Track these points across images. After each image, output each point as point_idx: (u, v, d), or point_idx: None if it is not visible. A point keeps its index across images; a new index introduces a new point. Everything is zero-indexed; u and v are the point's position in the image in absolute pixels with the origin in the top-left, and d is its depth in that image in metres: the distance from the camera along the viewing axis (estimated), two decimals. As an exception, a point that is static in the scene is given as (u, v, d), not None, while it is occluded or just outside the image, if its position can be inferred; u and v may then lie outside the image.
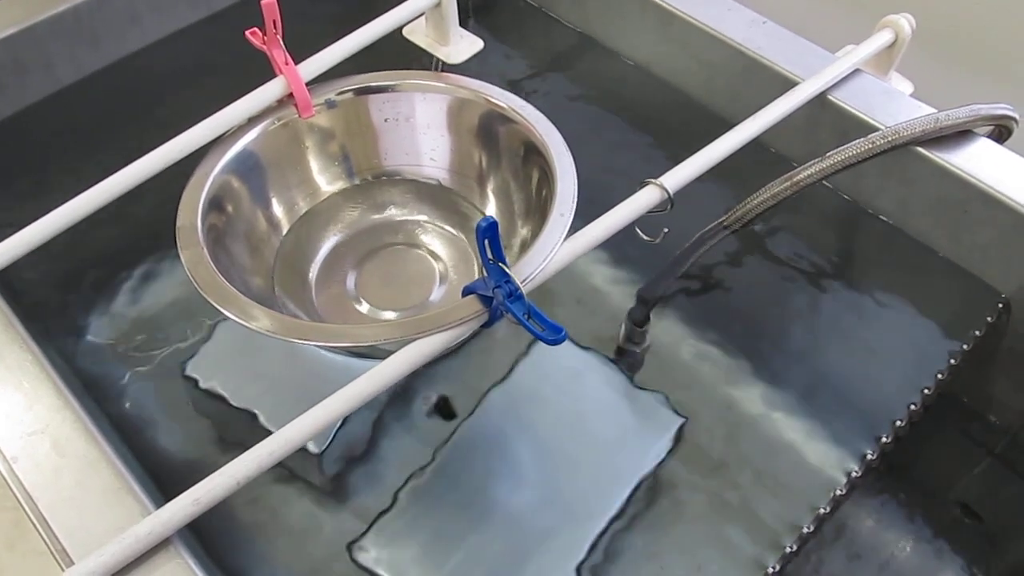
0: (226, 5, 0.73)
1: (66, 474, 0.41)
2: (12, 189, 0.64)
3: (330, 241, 0.57)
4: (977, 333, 0.57)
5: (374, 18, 0.58)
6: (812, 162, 0.55)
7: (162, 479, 0.47)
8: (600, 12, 0.72)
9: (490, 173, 0.56)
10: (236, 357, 0.53)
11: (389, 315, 0.53)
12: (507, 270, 0.42)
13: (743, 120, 0.55)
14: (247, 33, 0.52)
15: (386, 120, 0.57)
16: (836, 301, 0.59)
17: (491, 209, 0.56)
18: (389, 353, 0.43)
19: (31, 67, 0.65)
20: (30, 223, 0.49)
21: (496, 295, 0.42)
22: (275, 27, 0.51)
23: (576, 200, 0.48)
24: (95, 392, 0.52)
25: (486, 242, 0.41)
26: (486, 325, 0.44)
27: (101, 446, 0.42)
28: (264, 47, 0.52)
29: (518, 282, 0.42)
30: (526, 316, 0.41)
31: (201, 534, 0.43)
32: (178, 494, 0.39)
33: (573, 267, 0.48)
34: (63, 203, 0.49)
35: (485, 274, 0.43)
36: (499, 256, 0.42)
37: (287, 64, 0.53)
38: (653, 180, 0.50)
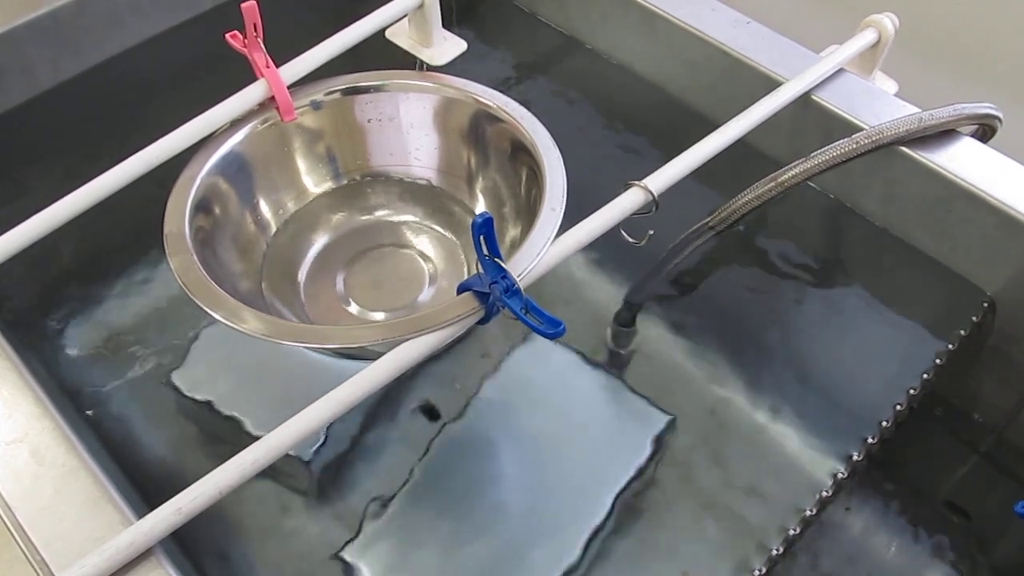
0: (207, 8, 0.72)
1: (45, 483, 0.41)
2: (-10, 195, 0.63)
3: (319, 243, 0.56)
4: (962, 332, 0.57)
5: (356, 20, 0.58)
6: (797, 162, 0.55)
7: (145, 488, 0.46)
8: (583, 12, 0.72)
9: (479, 172, 0.56)
10: (221, 362, 0.52)
11: (379, 316, 0.53)
12: (503, 265, 0.41)
13: (727, 121, 0.55)
14: (227, 36, 0.52)
15: (369, 120, 0.57)
16: (821, 301, 0.59)
17: (480, 208, 0.56)
18: (379, 354, 0.42)
19: (9, 71, 0.64)
20: (9, 229, 0.48)
21: (493, 291, 0.42)
22: (256, 30, 0.51)
23: (566, 195, 0.47)
24: (75, 400, 0.51)
25: (481, 238, 0.40)
26: (482, 322, 0.44)
27: (81, 455, 0.42)
28: (245, 50, 0.52)
29: (515, 277, 0.42)
30: (524, 311, 0.41)
31: (184, 541, 0.43)
32: (161, 503, 0.39)
33: (558, 270, 0.47)
34: (43, 208, 0.48)
35: (480, 271, 0.42)
36: (495, 252, 0.41)
37: (268, 67, 0.53)
38: (637, 182, 0.49)
